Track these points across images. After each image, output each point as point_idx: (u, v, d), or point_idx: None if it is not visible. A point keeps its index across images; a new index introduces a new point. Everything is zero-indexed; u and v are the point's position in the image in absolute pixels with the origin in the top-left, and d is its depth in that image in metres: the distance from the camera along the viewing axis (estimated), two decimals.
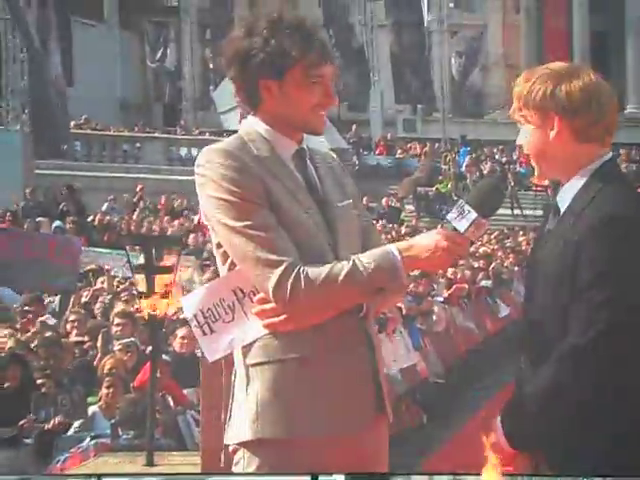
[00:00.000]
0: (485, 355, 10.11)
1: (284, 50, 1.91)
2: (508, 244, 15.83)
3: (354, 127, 22.45)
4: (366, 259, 1.86)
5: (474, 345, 9.76)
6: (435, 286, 9.74)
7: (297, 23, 1.96)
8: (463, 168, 22.56)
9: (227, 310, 1.96)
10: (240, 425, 1.94)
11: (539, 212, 20.60)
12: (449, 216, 1.90)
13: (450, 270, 9.69)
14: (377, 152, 21.88)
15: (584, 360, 1.74)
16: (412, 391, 8.09)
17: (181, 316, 6.45)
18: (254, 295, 1.94)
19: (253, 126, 1.99)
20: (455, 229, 1.88)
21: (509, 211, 20.92)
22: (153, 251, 4.66)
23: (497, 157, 24.07)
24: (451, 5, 30.06)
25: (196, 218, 18.09)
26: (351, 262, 1.86)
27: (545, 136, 1.86)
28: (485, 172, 22.49)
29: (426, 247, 1.86)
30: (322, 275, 1.83)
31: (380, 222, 15.61)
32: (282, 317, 1.88)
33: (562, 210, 1.89)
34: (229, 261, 1.96)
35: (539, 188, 21.78)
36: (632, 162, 23.21)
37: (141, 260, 4.75)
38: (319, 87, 1.95)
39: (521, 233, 17.97)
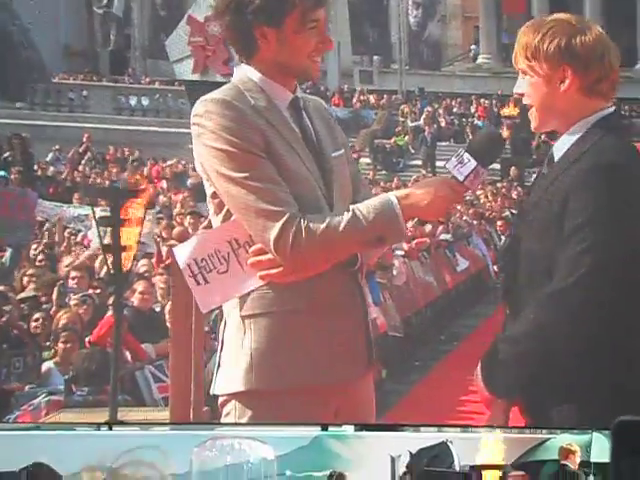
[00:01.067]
0: (444, 309, 10.24)
1: None
2: (467, 197, 15.98)
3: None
4: (365, 208, 1.88)
5: (433, 299, 9.87)
6: None
7: None
8: (421, 121, 22.57)
9: (222, 261, 1.95)
10: (232, 376, 1.95)
11: (497, 165, 20.84)
12: (448, 164, 1.93)
13: (409, 223, 9.74)
14: (333, 103, 21.77)
15: (564, 303, 1.77)
16: None
17: (141, 270, 6.38)
18: (249, 246, 1.94)
19: (247, 74, 1.97)
20: (454, 177, 1.90)
21: None
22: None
23: (455, 110, 24.16)
24: None
25: (146, 169, 17.89)
26: (351, 212, 1.89)
27: (553, 87, 1.87)
28: (443, 125, 22.58)
29: (424, 195, 1.91)
30: (323, 225, 1.84)
31: None
32: (279, 268, 1.87)
33: (556, 158, 1.95)
34: (223, 212, 1.96)
35: None
36: None
37: (101, 213, 4.65)
38: (315, 32, 1.96)
39: (479, 187, 18.19)
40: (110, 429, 1.71)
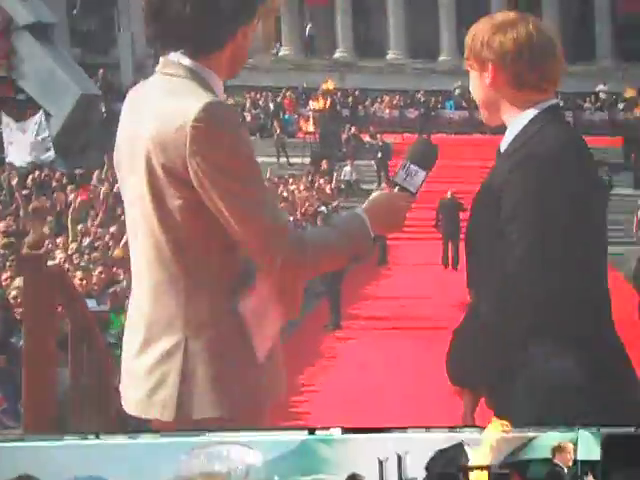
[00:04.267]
0: None
1: None
2: (283, 194, 16.17)
3: (100, 71, 21.99)
4: (344, 225, 2.02)
5: None
6: None
7: None
8: None
9: None
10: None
11: (307, 159, 21.30)
12: (397, 178, 2.03)
13: None
14: None
15: (507, 295, 1.97)
16: None
17: None
18: None
19: (199, 71, 1.96)
20: (405, 189, 2.01)
21: (275, 159, 21.46)
22: None
23: (261, 103, 24.48)
24: None
25: None
26: (335, 229, 2.02)
27: (483, 83, 2.10)
28: (249, 119, 22.87)
29: (380, 210, 2.02)
30: (320, 239, 1.99)
31: None
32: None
33: (502, 150, 2.10)
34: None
35: (306, 136, 22.48)
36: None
37: None
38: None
39: (291, 181, 18.46)
40: (97, 438, 1.73)
